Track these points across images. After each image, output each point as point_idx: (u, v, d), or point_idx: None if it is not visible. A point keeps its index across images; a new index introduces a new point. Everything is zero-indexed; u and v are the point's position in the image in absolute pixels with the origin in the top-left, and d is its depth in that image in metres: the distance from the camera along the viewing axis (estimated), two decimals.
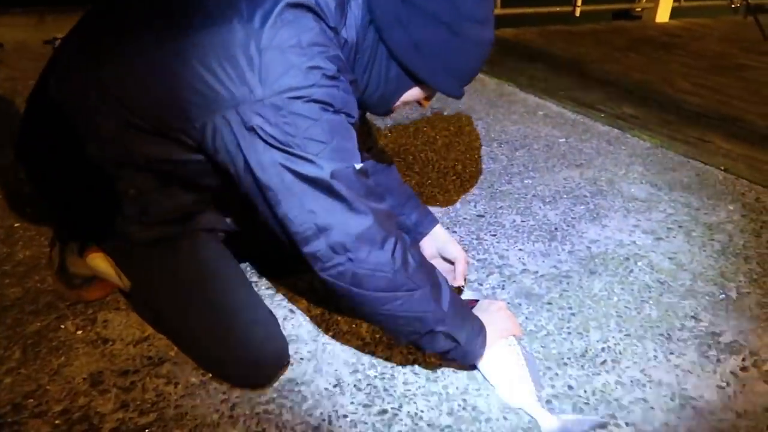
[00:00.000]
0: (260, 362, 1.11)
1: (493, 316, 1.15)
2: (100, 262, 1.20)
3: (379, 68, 0.99)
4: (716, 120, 2.85)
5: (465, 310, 1.08)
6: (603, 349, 1.28)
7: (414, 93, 1.04)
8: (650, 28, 5.07)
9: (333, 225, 0.90)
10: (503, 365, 1.13)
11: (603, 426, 1.08)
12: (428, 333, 1.01)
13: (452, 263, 1.33)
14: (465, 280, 1.34)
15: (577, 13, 4.98)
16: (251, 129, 0.86)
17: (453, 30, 0.94)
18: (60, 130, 1.03)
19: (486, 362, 1.13)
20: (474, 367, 1.16)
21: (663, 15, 5.34)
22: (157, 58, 0.90)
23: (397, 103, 1.06)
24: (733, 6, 5.35)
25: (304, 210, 0.89)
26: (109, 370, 1.15)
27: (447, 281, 1.05)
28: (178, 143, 0.96)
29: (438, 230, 1.36)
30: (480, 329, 1.09)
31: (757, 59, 4.16)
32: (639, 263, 1.60)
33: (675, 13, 5.43)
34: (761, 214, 1.90)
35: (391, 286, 0.94)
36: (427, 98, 1.08)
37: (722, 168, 2.23)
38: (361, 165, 0.93)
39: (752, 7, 5.09)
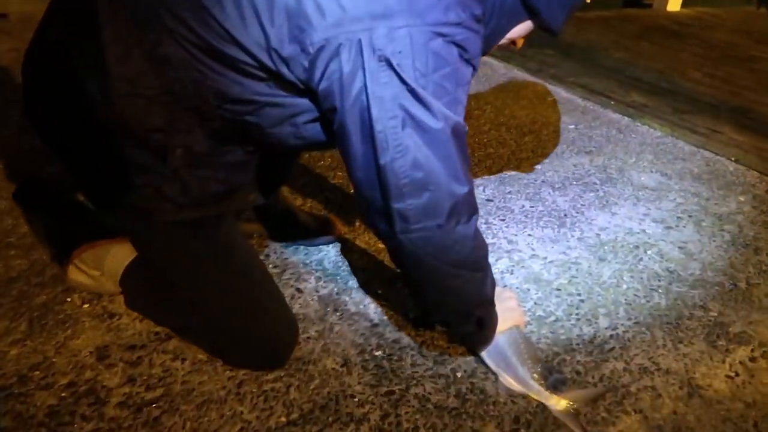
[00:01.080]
0: (276, 343, 1.10)
1: (504, 304, 1.14)
2: (78, 276, 1.19)
3: None
4: (727, 111, 2.82)
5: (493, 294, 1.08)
6: (612, 336, 1.27)
7: (520, 29, 0.99)
8: (661, 17, 5.01)
9: (436, 185, 0.84)
10: (506, 353, 1.12)
11: (604, 396, 1.09)
12: (466, 314, 1.01)
13: None
14: None
15: (588, 0, 4.91)
16: (382, 55, 0.77)
17: None
18: (67, 88, 0.91)
19: (490, 350, 1.13)
20: (474, 352, 1.16)
21: (674, 3, 5.27)
22: None
23: (502, 41, 1.00)
24: None
25: (409, 161, 0.82)
26: (115, 344, 1.14)
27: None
28: (271, 76, 0.85)
29: None
30: (495, 316, 1.09)
31: None
32: (648, 252, 1.59)
33: (686, 1, 5.35)
34: None
35: (464, 262, 0.93)
36: (525, 37, 1.03)
37: (733, 159, 2.21)
38: (466, 128, 0.88)
39: None
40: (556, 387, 1.10)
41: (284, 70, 0.84)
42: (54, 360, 1.10)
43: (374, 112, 0.80)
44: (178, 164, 0.92)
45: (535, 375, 1.09)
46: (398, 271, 1.03)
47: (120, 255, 1.18)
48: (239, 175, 1.04)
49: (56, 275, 1.31)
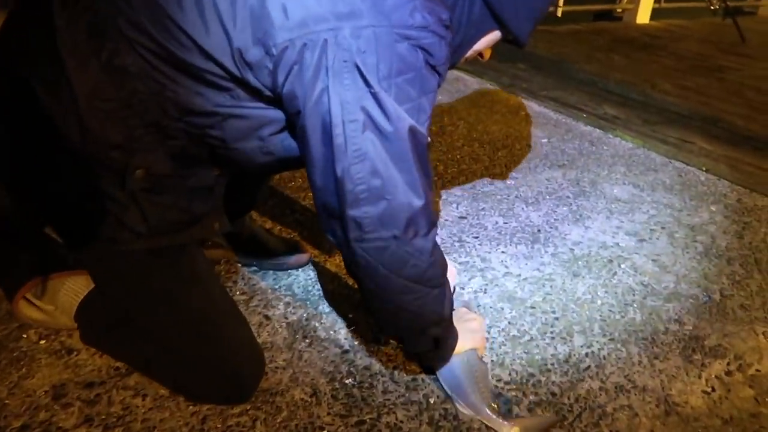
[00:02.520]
0: (241, 377, 1.06)
1: (465, 325, 1.11)
2: (29, 311, 1.14)
3: (463, 7, 0.91)
4: (697, 121, 2.85)
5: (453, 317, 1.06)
6: (587, 354, 1.25)
7: (487, 39, 0.98)
8: (631, 29, 5.10)
9: (393, 194, 0.82)
10: (458, 376, 1.09)
11: (559, 423, 1.06)
12: (421, 331, 0.99)
13: None
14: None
15: (559, 14, 4.98)
16: (346, 56, 0.76)
17: None
18: (25, 107, 0.86)
19: (444, 370, 1.10)
20: (429, 370, 1.13)
21: (643, 16, 5.37)
22: None
23: (468, 53, 0.99)
24: (711, 8, 5.38)
25: (367, 167, 0.80)
26: (73, 382, 1.09)
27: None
28: (236, 84, 0.83)
29: None
30: (455, 336, 1.07)
31: (736, 61, 4.19)
32: (622, 265, 1.58)
33: (655, 14, 5.46)
34: (743, 215, 1.90)
35: (420, 277, 0.90)
36: (491, 48, 1.02)
37: (704, 169, 2.23)
38: (428, 140, 0.86)
39: (730, 9, 5.13)
40: (506, 415, 1.06)
41: (249, 76, 0.82)
42: (7, 401, 1.04)
43: (335, 114, 0.78)
44: (137, 187, 0.89)
45: (490, 402, 1.06)
46: None
47: (75, 287, 1.13)
48: (203, 203, 1.00)
49: (11, 310, 1.26)
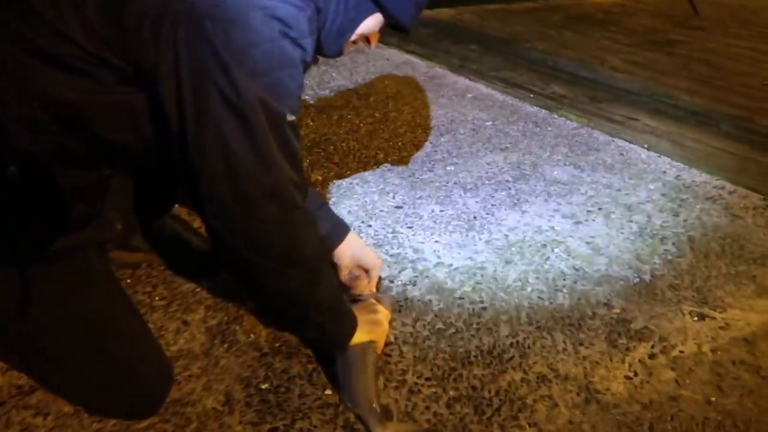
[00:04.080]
0: (146, 391, 1.01)
1: (368, 316, 1.10)
2: None
3: None
4: (645, 97, 2.85)
5: (340, 302, 1.04)
6: (511, 344, 1.23)
7: (370, 24, 0.96)
8: (587, 5, 5.09)
9: (243, 170, 0.81)
10: (349, 366, 1.07)
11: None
12: (300, 319, 0.98)
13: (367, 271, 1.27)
14: (378, 285, 1.29)
15: None
16: (197, 25, 0.75)
17: None
18: None
19: (340, 359, 1.07)
20: (331, 359, 1.10)
21: None
22: None
23: (352, 37, 0.96)
24: None
25: (218, 142, 0.79)
26: None
27: (330, 269, 1.01)
28: (96, 66, 0.80)
29: (352, 238, 1.28)
30: (350, 324, 1.04)
31: (688, 33, 4.21)
32: (556, 250, 1.57)
33: None
34: (680, 192, 1.90)
35: (285, 258, 0.89)
36: (377, 33, 0.99)
37: (646, 146, 2.23)
38: (292, 118, 0.83)
39: None
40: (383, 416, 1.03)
41: (107, 54, 0.79)
42: None
43: (185, 86, 0.77)
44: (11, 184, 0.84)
45: (372, 400, 1.03)
46: None
47: None
48: (89, 204, 0.95)
49: None
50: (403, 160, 2.03)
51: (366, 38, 0.99)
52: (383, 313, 1.14)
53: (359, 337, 1.06)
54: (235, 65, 0.76)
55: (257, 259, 0.88)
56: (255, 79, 0.77)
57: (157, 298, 1.32)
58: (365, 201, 1.76)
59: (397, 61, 3.15)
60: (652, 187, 1.93)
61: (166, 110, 0.80)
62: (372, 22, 0.95)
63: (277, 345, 1.20)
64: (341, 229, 1.27)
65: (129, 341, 1.01)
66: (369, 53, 3.23)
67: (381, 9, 0.93)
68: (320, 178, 1.86)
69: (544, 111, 2.55)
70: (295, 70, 0.81)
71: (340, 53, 0.98)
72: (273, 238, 0.87)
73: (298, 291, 0.94)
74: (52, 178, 0.88)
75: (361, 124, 2.32)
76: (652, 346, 1.25)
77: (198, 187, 0.82)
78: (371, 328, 1.09)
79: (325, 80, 2.77)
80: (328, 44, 0.96)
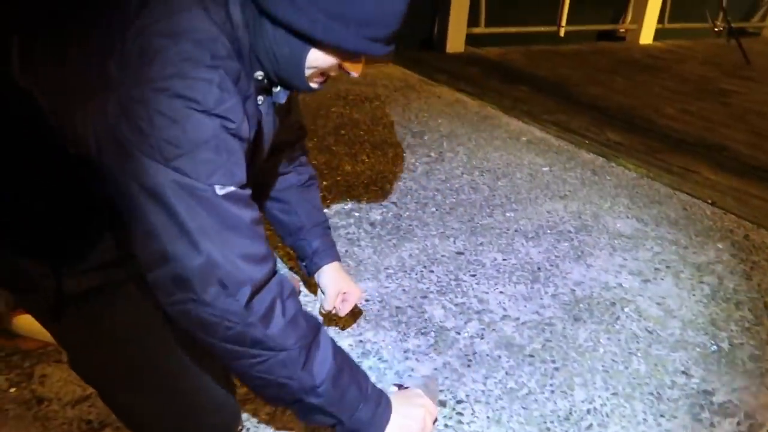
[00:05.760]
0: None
1: (406, 410, 0.95)
2: (27, 321, 1.07)
3: (265, 37, 0.82)
4: (702, 148, 2.79)
5: (350, 385, 0.89)
6: (589, 411, 1.18)
7: (319, 58, 0.84)
8: (634, 50, 5.06)
9: (174, 254, 0.76)
10: None
11: None
12: (297, 402, 0.87)
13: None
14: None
15: (562, 34, 4.94)
16: (109, 125, 0.72)
17: None
18: None
19: None
20: None
21: (647, 37, 5.34)
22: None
23: (311, 72, 0.87)
24: (715, 29, 5.36)
25: (146, 229, 0.76)
26: None
27: (334, 349, 0.89)
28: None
29: (336, 267, 1.25)
30: (372, 414, 0.90)
31: (740, 84, 4.15)
32: (626, 309, 1.51)
33: (658, 35, 5.43)
34: (751, 253, 1.83)
35: (242, 340, 0.80)
36: (352, 61, 0.87)
37: (710, 201, 2.17)
38: (230, 189, 0.77)
39: (734, 30, 5.11)
40: None
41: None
42: None
43: (117, 181, 0.76)
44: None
45: None
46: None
47: None
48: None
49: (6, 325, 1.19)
50: (461, 203, 2.01)
51: (340, 67, 0.88)
52: (426, 408, 0.97)
53: (390, 429, 0.93)
54: (149, 151, 0.72)
55: (214, 341, 0.81)
56: (170, 157, 0.73)
57: None
58: (426, 245, 1.73)
59: (448, 99, 3.15)
60: (720, 246, 1.86)
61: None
62: (322, 56, 0.84)
63: None
64: (328, 255, 1.25)
65: (199, 388, 0.98)
66: (420, 90, 3.24)
67: (314, 43, 0.83)
68: (378, 218, 1.84)
69: (601, 158, 2.51)
70: (217, 141, 0.75)
71: (312, 89, 0.90)
72: (227, 321, 0.78)
73: (283, 373, 0.83)
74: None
75: (417, 163, 2.30)
76: (738, 423, 1.18)
77: (146, 272, 0.79)
78: (403, 423, 0.93)
79: (377, 116, 2.78)
80: (289, 82, 0.89)
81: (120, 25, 0.73)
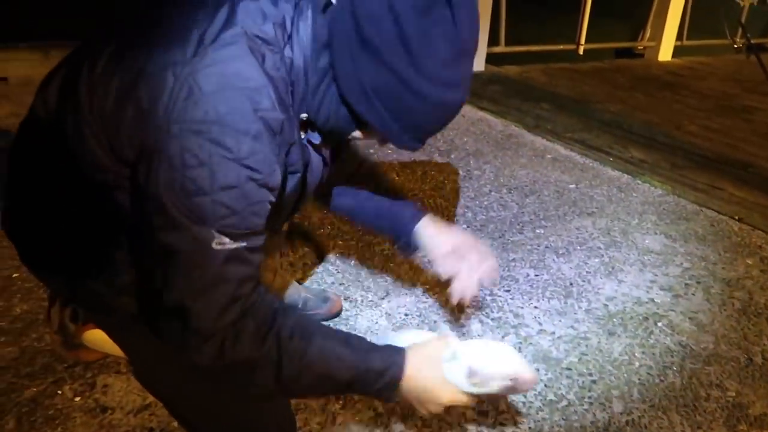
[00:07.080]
0: None
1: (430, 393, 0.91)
2: (97, 336, 1.14)
3: (330, 99, 0.86)
4: (726, 165, 2.82)
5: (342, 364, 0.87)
6: (627, 423, 1.22)
7: (366, 133, 0.92)
8: (653, 67, 5.10)
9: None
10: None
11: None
12: (338, 384, 0.87)
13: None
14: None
15: (581, 51, 5.01)
16: (150, 154, 0.75)
17: (410, 87, 0.80)
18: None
19: None
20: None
21: (666, 53, 5.37)
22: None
23: (355, 136, 0.93)
24: (735, 45, 5.38)
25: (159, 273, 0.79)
26: None
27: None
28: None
29: (427, 223, 1.21)
30: (380, 364, 0.88)
31: (762, 100, 4.16)
32: (659, 324, 1.55)
33: (677, 51, 5.46)
34: None
35: (276, 379, 0.83)
36: (384, 140, 0.94)
37: (737, 218, 2.19)
38: (245, 244, 0.78)
39: (754, 46, 5.12)
40: None
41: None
42: None
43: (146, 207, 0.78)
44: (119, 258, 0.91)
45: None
46: None
47: None
48: None
49: (47, 364, 1.26)
50: (491, 220, 2.06)
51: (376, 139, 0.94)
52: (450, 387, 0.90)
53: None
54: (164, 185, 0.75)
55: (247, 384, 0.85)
56: (186, 197, 0.75)
57: None
58: None
59: (472, 117, 3.21)
60: (749, 261, 1.89)
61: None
62: (367, 133, 0.91)
63: (391, 407, 1.21)
64: (415, 214, 1.20)
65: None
66: None
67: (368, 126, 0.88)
68: None
69: (626, 176, 2.55)
70: (242, 190, 0.77)
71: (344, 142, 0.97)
72: (247, 369, 0.82)
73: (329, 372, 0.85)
74: None
75: (446, 181, 2.36)
76: None
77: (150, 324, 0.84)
78: (427, 397, 0.90)
79: None
80: (329, 137, 0.95)
81: (180, 59, 0.76)
